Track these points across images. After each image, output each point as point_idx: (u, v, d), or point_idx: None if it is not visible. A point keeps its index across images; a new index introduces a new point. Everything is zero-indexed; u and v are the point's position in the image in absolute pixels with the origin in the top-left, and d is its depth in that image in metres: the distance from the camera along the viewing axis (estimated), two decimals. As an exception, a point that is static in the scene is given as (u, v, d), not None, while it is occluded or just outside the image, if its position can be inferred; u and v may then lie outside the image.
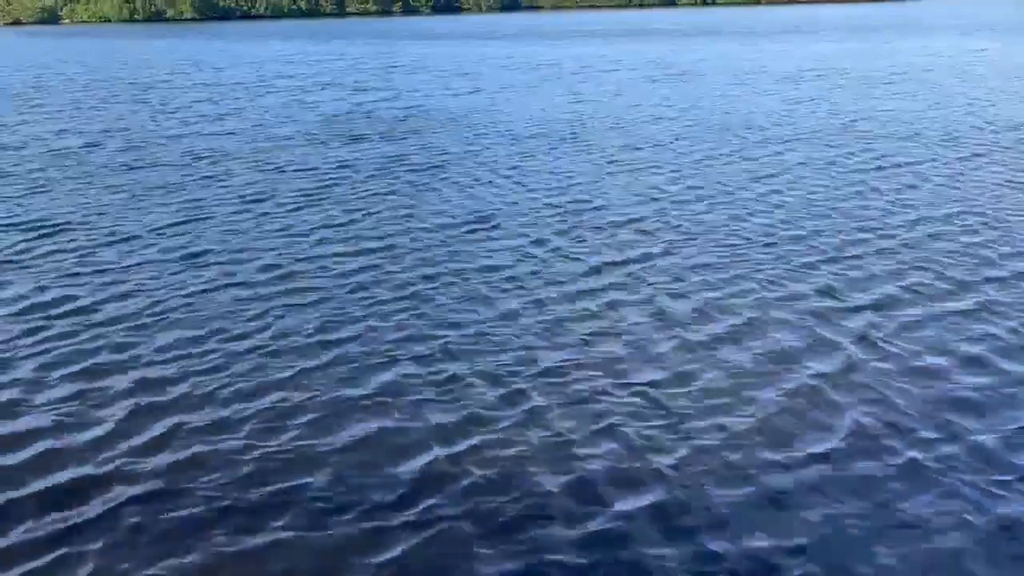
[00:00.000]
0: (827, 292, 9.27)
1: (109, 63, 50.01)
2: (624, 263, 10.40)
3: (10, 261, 11.08)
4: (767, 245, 11.02)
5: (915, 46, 45.74)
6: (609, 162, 16.59)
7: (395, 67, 41.77)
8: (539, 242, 11.35)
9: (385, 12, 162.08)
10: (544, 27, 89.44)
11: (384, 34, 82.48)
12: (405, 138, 20.15)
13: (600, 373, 7.45)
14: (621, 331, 8.35)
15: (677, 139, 18.92)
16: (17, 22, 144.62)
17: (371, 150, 18.68)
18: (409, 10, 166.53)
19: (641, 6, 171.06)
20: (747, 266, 10.19)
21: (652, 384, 7.22)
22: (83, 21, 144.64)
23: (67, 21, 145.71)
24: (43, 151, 19.63)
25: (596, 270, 10.16)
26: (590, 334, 8.30)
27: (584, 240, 11.42)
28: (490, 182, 15.14)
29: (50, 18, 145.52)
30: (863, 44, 48.64)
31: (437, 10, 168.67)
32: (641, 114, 23.00)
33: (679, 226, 11.99)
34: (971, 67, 33.01)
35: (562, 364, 7.64)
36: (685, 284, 9.63)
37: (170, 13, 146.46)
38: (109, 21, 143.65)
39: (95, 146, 20.20)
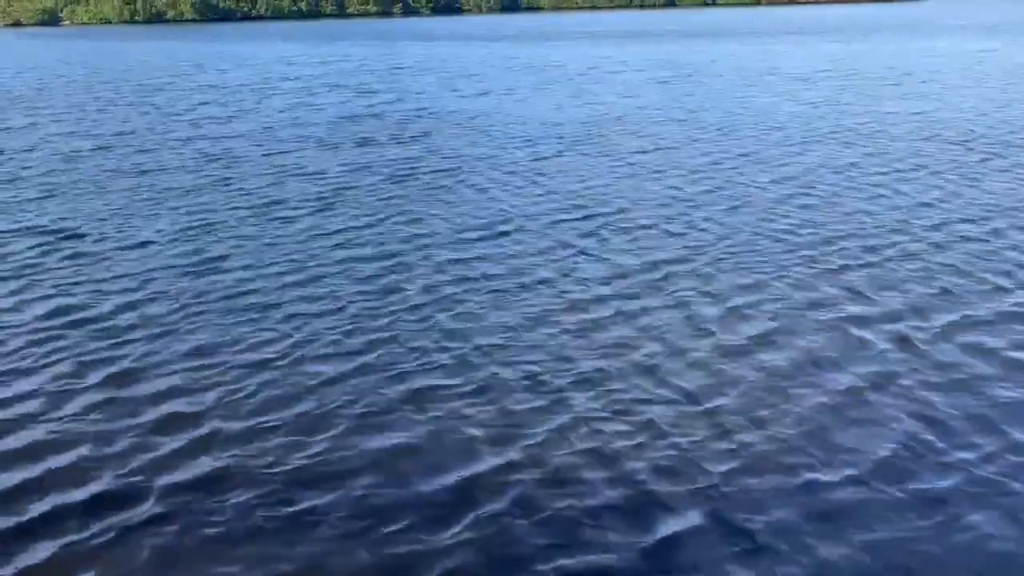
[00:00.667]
0: (858, 294, 9.16)
1: (113, 65, 49.89)
2: (652, 266, 10.28)
3: (28, 267, 10.95)
4: (793, 247, 10.91)
5: (924, 46, 45.63)
6: (628, 164, 16.46)
7: (401, 68, 41.67)
8: (564, 244, 11.24)
9: (385, 13, 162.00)
10: (547, 28, 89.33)
11: (387, 35, 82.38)
12: (419, 141, 20.04)
13: (638, 377, 7.35)
14: (655, 335, 8.24)
15: (693, 141, 18.80)
16: (17, 23, 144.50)
17: (385, 153, 18.55)
18: (409, 11, 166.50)
19: (642, 6, 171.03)
20: (774, 268, 10.08)
21: (692, 388, 7.12)
22: (83, 22, 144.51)
23: (67, 22, 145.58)
24: (53, 154, 19.49)
25: (624, 273, 10.04)
26: (624, 337, 8.19)
27: (609, 242, 11.31)
28: (509, 185, 15.02)
29: (50, 19, 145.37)
30: (871, 45, 48.54)
31: (437, 11, 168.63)
32: (655, 115, 22.88)
33: (703, 228, 11.87)
34: (982, 67, 32.93)
35: (599, 368, 7.53)
36: (714, 287, 9.52)
37: (170, 14, 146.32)
38: (109, 22, 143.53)
39: (105, 149, 20.08)
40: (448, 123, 22.59)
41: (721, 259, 10.48)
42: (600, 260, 10.56)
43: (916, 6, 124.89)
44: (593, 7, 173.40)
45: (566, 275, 10.02)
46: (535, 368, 7.55)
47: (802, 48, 47.31)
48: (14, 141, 21.62)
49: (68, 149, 20.12)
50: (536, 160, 17.12)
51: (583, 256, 10.74)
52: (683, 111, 23.47)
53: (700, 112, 23.20)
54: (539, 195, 14.08)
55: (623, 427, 6.54)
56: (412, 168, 16.77)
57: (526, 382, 7.31)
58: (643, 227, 12.00)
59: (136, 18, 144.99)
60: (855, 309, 8.75)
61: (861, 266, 10.10)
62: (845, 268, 10.03)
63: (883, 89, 27.04)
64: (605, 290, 9.49)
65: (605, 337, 8.21)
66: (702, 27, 79.23)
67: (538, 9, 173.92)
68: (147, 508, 5.70)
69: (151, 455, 6.35)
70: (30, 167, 17.89)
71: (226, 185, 15.66)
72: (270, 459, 6.24)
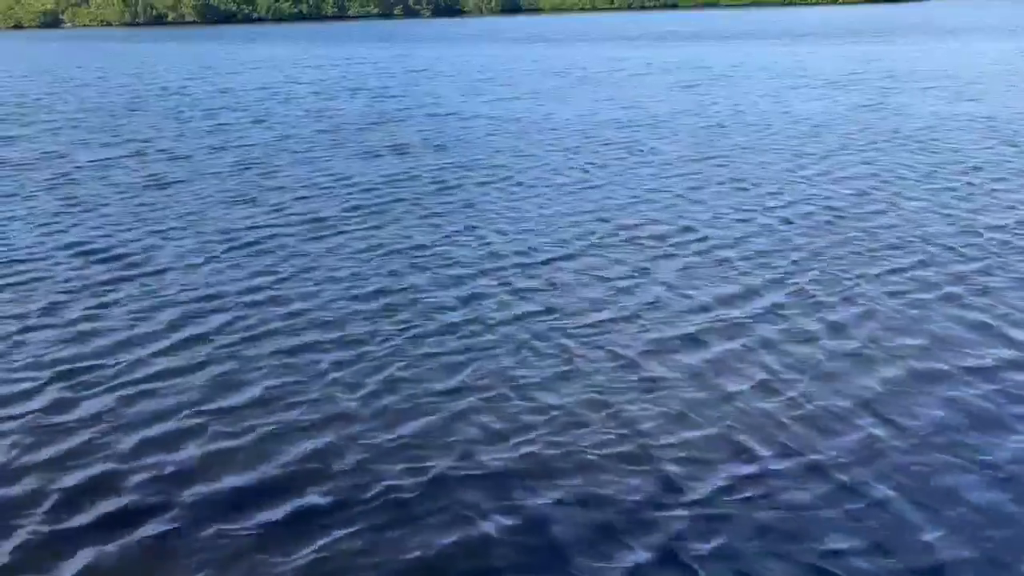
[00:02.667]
0: (953, 300, 8.64)
1: (122, 68, 49.21)
2: (730, 293, 9.67)
3: (75, 287, 10.32)
4: (880, 255, 10.37)
5: (949, 47, 44.85)
6: (680, 175, 15.80)
7: (418, 71, 41.04)
8: (634, 268, 10.63)
9: (386, 15, 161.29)
10: (553, 30, 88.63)
11: (393, 37, 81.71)
12: (456, 148, 19.38)
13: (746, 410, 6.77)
14: (748, 362, 7.65)
15: (744, 149, 18.17)
16: (19, 25, 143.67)
17: (421, 161, 17.89)
18: (410, 12, 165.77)
19: (643, 8, 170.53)
20: (865, 283, 9.50)
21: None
22: (84, 25, 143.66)
23: (68, 24, 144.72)
24: (79, 164, 18.81)
25: (703, 306, 9.41)
26: (706, 361, 7.62)
27: (696, 268, 10.65)
28: (560, 195, 14.38)
29: (52, 22, 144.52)
30: (894, 46, 47.83)
31: (438, 13, 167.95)
32: (697, 120, 22.21)
33: (790, 248, 11.17)
34: (1011, 67, 32.38)
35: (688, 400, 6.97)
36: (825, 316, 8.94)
37: (171, 17, 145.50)
38: (110, 24, 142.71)
39: (133, 157, 19.45)
40: (485, 129, 21.94)
41: (825, 289, 9.88)
42: (688, 290, 9.93)
43: (917, 7, 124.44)
44: (593, 8, 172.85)
45: (638, 299, 9.39)
46: (606, 388, 6.99)
47: (824, 49, 46.63)
48: (36, 149, 20.93)
49: (93, 158, 19.40)
50: (583, 169, 16.41)
51: (652, 277, 10.11)
52: (724, 115, 22.82)
53: (742, 115, 22.50)
54: (596, 209, 13.41)
55: (717, 436, 5.98)
56: (454, 176, 16.11)
57: (600, 403, 6.74)
58: (718, 247, 11.40)
59: (137, 20, 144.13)
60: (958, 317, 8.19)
61: (960, 279, 9.58)
62: (944, 280, 9.49)
63: (929, 91, 26.44)
64: (681, 310, 8.87)
65: (687, 355, 7.63)
66: (712, 29, 78.59)
67: (538, 11, 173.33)
68: (173, 516, 5.45)
69: (207, 476, 5.80)
70: (56, 178, 17.21)
71: (264, 196, 14.97)
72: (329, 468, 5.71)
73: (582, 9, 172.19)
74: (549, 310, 9.16)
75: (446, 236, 12.13)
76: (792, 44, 52.66)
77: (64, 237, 12.66)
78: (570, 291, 9.72)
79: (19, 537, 5.58)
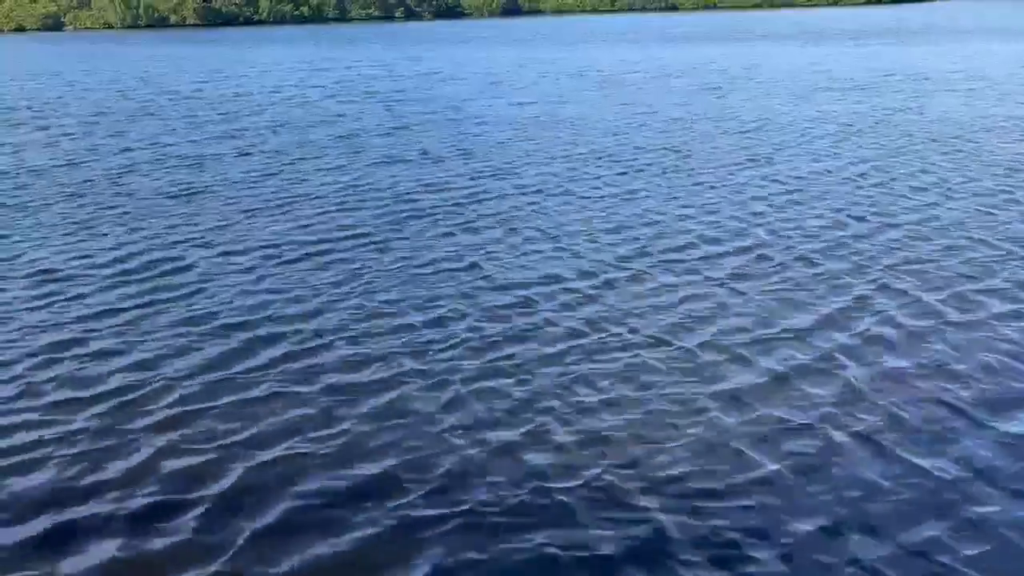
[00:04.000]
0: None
1: (132, 71, 48.76)
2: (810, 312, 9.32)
3: (114, 299, 9.95)
4: (945, 259, 10.02)
5: (972, 49, 44.36)
6: (721, 180, 15.41)
7: (431, 73, 40.63)
8: (697, 282, 10.25)
9: (387, 17, 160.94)
10: (559, 32, 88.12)
11: (399, 39, 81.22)
12: (481, 153, 18.91)
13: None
14: (830, 375, 7.27)
15: (782, 153, 17.83)
16: (21, 28, 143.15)
17: (450, 168, 17.36)
18: (411, 15, 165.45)
19: (643, 10, 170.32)
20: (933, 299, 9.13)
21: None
22: (86, 27, 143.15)
23: (71, 27, 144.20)
24: (101, 171, 18.38)
25: (772, 319, 9.05)
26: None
27: (733, 271, 10.33)
28: (600, 202, 14.01)
29: (54, 25, 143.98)
30: (911, 47, 47.41)
31: (439, 15, 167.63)
32: (727, 124, 21.78)
33: (874, 276, 10.84)
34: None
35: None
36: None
37: (173, 19, 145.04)
38: (112, 27, 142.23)
39: (155, 163, 19.03)
40: (510, 133, 21.49)
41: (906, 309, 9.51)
42: (755, 303, 9.55)
43: (919, 8, 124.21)
44: (594, 10, 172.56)
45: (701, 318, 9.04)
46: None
47: (839, 50, 46.25)
48: (55, 155, 20.54)
49: (116, 164, 18.98)
50: (628, 179, 16.00)
51: (709, 296, 9.77)
52: (758, 118, 22.40)
53: (776, 119, 22.09)
54: (652, 223, 13.02)
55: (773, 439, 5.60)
56: (490, 186, 15.55)
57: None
58: (772, 249, 11.01)
59: (139, 23, 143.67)
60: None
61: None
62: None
63: (957, 93, 26.11)
64: (769, 339, 8.49)
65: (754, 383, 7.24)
66: (719, 31, 78.16)
67: (539, 13, 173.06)
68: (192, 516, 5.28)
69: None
70: (79, 185, 16.80)
71: (294, 206, 14.48)
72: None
73: (582, 11, 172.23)
74: (605, 326, 8.79)
75: (487, 249, 11.77)
76: (805, 45, 52.28)
77: (98, 248, 12.26)
78: (629, 301, 9.35)
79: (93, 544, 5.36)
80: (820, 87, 29.39)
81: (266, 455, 6.53)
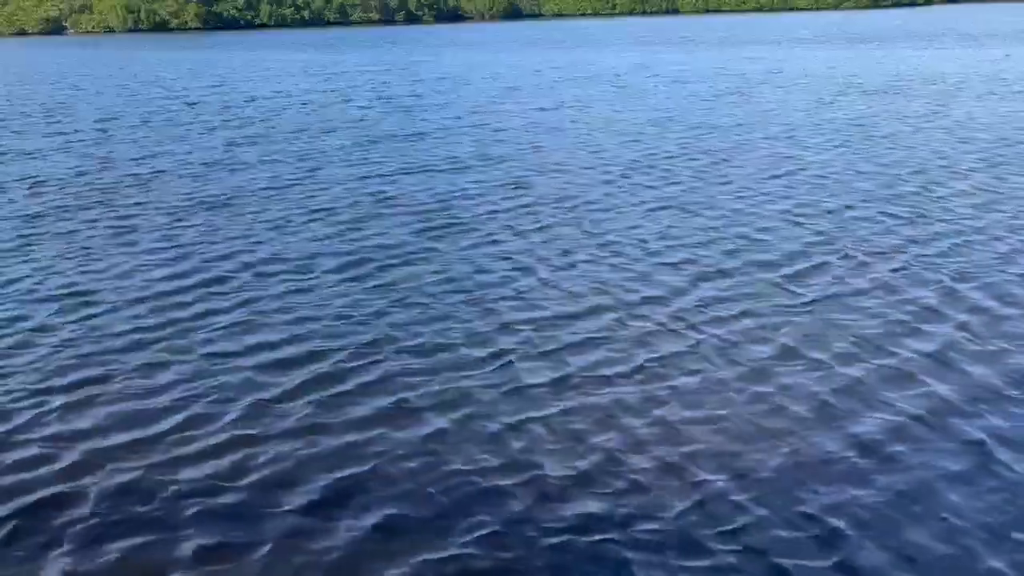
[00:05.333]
0: None
1: (139, 76, 48.32)
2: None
3: (161, 318, 9.53)
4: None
5: (982, 54, 44.05)
6: (767, 190, 14.93)
7: (445, 77, 40.16)
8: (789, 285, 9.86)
9: (388, 21, 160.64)
10: (565, 35, 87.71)
11: (404, 42, 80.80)
12: (513, 162, 18.25)
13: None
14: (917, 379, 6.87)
15: (824, 161, 17.44)
16: (22, 32, 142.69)
17: (483, 178, 16.64)
18: (412, 19, 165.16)
19: (644, 13, 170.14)
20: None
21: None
22: (88, 31, 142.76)
23: (72, 31, 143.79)
24: (122, 180, 17.89)
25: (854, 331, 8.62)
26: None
27: (805, 286, 9.83)
28: (645, 214, 13.51)
29: (55, 28, 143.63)
30: (927, 51, 47.03)
31: (439, 19, 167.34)
32: (760, 130, 21.23)
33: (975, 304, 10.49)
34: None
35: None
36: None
37: (174, 23, 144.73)
38: (113, 31, 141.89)
39: (177, 171, 18.55)
40: (539, 141, 20.77)
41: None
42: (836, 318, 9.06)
43: (924, 11, 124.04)
44: (595, 13, 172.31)
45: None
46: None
47: (856, 53, 45.91)
48: (74, 164, 20.04)
49: (137, 172, 18.44)
50: (672, 180, 15.62)
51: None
52: (790, 125, 21.93)
53: (813, 126, 21.62)
54: (698, 235, 12.53)
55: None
56: (527, 198, 14.78)
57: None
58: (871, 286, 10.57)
59: (140, 26, 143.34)
60: None
61: None
62: None
63: (1000, 97, 25.76)
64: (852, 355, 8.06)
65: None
66: (727, 34, 77.83)
67: (539, 16, 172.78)
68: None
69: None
70: (103, 194, 16.31)
71: (328, 217, 13.88)
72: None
73: (583, 14, 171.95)
74: (667, 334, 8.37)
75: (533, 255, 11.37)
76: (816, 49, 51.91)
77: (136, 263, 11.82)
78: (688, 307, 8.94)
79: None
80: (842, 91, 29.00)
81: (325, 478, 6.21)
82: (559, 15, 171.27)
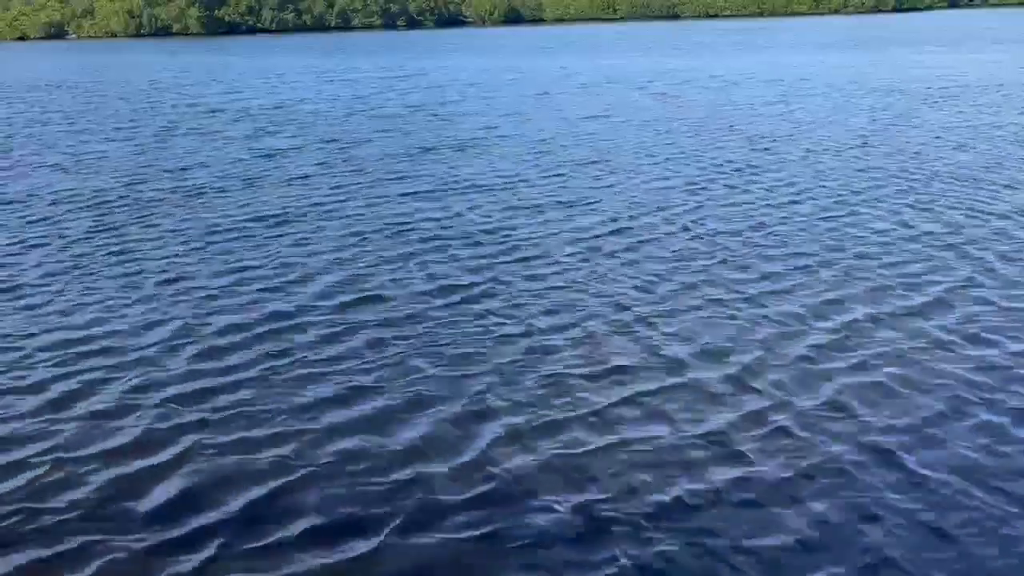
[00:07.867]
0: None
1: (146, 81, 47.89)
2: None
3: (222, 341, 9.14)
4: None
5: (1004, 57, 43.80)
6: (813, 199, 14.53)
7: (455, 83, 39.79)
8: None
9: (389, 26, 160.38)
10: (572, 40, 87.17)
11: (411, 48, 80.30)
12: (551, 179, 17.40)
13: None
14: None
15: (927, 183, 17.03)
16: (24, 37, 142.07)
17: (527, 195, 16.05)
18: (413, 24, 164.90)
19: (645, 18, 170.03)
20: None
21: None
22: (90, 36, 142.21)
23: (74, 36, 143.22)
24: (157, 195, 17.51)
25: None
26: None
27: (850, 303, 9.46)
28: (680, 228, 13.25)
29: (57, 33, 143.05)
30: (947, 56, 46.58)
31: (440, 24, 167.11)
32: (800, 141, 20.86)
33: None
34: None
35: None
36: None
37: (176, 28, 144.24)
38: (115, 36, 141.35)
39: (213, 184, 18.17)
40: (576, 154, 20.16)
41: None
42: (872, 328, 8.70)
43: (927, 15, 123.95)
44: (595, 19, 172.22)
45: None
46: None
47: (885, 57, 45.47)
48: (114, 176, 19.61)
49: (171, 187, 17.96)
50: (727, 209, 15.10)
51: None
52: (827, 134, 21.56)
53: (858, 135, 21.17)
54: (733, 248, 12.15)
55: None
56: (569, 215, 14.24)
57: None
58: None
59: (142, 31, 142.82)
60: None
61: None
62: None
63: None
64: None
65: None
66: (737, 39, 77.47)
67: (540, 22, 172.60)
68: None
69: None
70: (141, 207, 15.96)
71: (388, 239, 13.20)
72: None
73: (584, 20, 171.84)
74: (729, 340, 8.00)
75: (590, 270, 11.15)
76: (827, 54, 51.55)
77: (189, 289, 11.45)
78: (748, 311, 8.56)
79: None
80: (901, 95, 28.69)
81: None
82: (560, 20, 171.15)
